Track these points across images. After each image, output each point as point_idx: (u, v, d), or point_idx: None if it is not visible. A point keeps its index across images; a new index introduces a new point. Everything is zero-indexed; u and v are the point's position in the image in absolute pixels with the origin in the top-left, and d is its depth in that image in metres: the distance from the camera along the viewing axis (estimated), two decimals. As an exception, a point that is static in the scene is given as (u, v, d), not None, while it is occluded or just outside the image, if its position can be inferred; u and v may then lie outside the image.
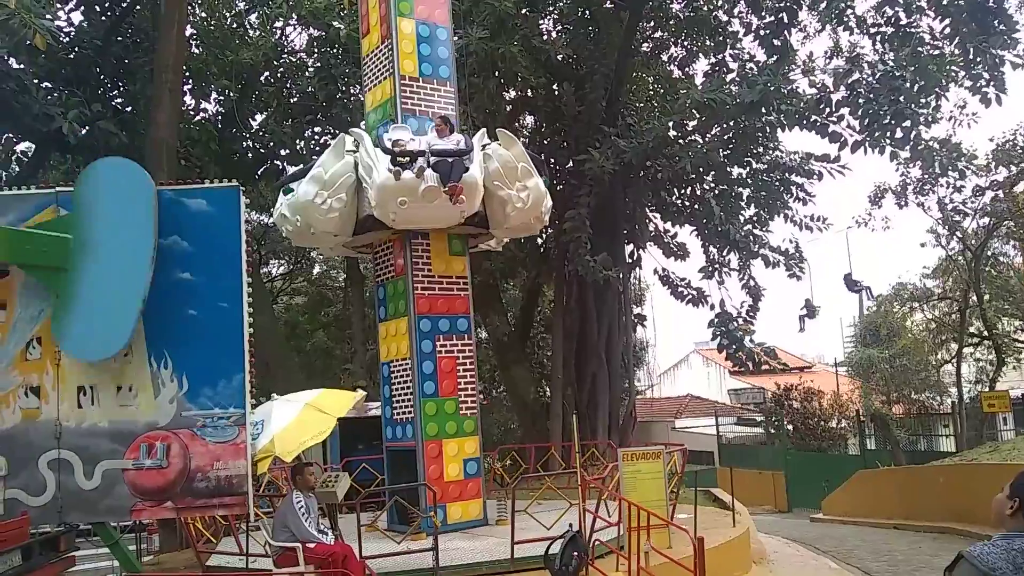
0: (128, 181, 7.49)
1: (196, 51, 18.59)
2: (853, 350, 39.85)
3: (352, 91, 18.77)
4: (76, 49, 16.81)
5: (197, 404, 7.28)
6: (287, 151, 19.59)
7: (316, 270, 36.47)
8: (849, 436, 33.63)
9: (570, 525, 9.24)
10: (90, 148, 16.10)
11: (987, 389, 31.59)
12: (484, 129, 11.63)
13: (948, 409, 31.92)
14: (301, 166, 12.23)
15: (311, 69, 19.91)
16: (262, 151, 19.95)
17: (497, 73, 18.34)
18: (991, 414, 28.34)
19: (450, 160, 10.52)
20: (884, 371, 32.88)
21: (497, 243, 12.81)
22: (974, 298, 31.13)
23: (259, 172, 20.42)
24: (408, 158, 10.44)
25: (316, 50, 20.05)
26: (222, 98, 19.78)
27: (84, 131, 15.30)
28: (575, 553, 8.85)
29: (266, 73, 19.42)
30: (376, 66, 12.32)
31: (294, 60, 20.51)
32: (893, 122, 16.96)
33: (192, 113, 19.53)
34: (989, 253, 31.40)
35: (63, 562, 7.47)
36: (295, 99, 19.64)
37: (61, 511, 7.14)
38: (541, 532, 9.49)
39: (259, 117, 20.22)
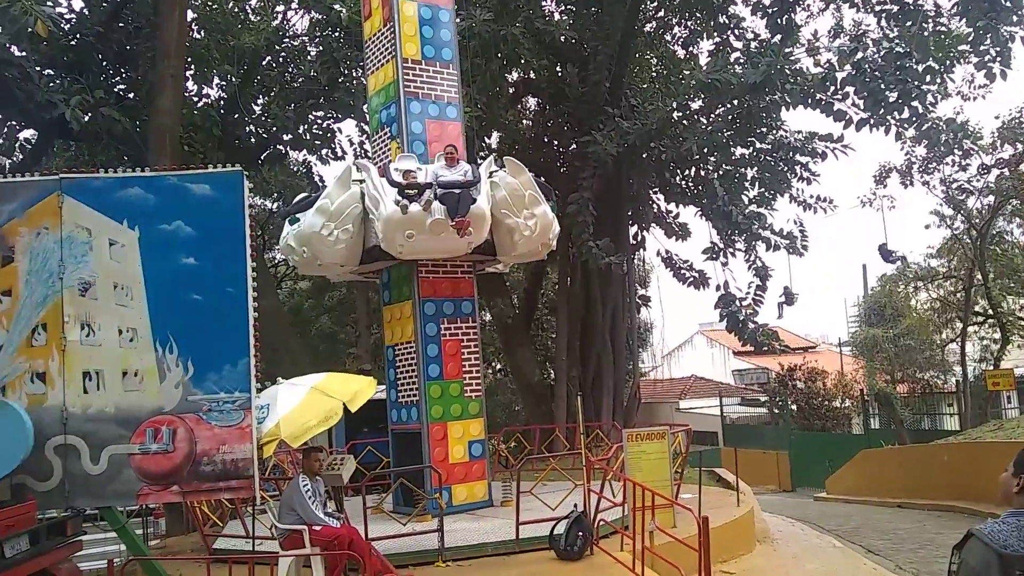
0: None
1: (197, 36, 18.52)
2: (857, 330, 39.89)
3: (354, 75, 18.71)
4: (77, 36, 16.75)
5: (203, 389, 7.31)
6: (290, 135, 19.54)
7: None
8: (853, 416, 33.71)
9: (575, 506, 9.31)
10: (93, 135, 16.09)
11: (991, 368, 31.58)
12: (492, 157, 11.60)
13: (952, 388, 31.98)
14: (306, 194, 12.03)
15: (313, 53, 19.83)
16: (265, 136, 19.91)
17: (500, 55, 18.25)
18: (995, 392, 28.35)
19: (457, 192, 10.42)
20: (888, 350, 32.92)
21: (504, 267, 12.75)
22: (979, 277, 31.08)
23: (262, 157, 20.39)
24: (415, 191, 10.39)
25: (318, 34, 19.97)
26: (224, 83, 19.74)
27: (87, 118, 15.27)
28: (580, 533, 8.92)
29: (268, 57, 19.34)
30: (378, 49, 12.29)
31: (296, 44, 20.43)
32: (899, 101, 16.90)
33: (194, 99, 19.48)
34: (994, 232, 31.32)
35: (70, 547, 7.51)
36: (297, 83, 19.58)
37: (68, 496, 7.18)
38: (546, 513, 9.55)
39: (261, 102, 20.16)
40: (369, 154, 14.53)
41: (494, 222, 10.93)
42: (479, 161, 12.55)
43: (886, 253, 25.80)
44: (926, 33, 16.71)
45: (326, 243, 10.78)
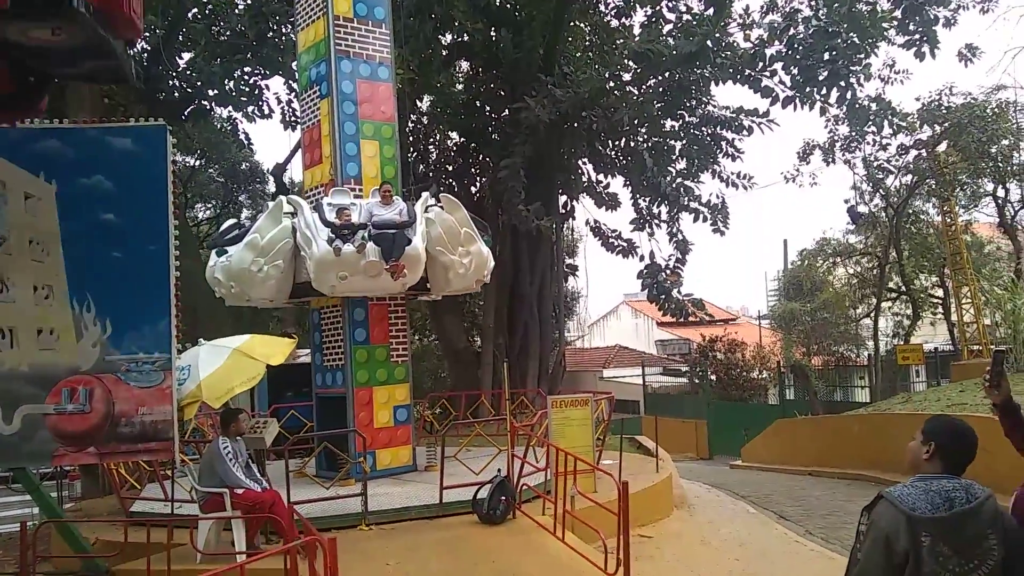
0: None
1: (120, -17, 17.83)
2: (776, 303, 40.91)
3: (284, 30, 18.27)
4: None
5: (121, 348, 7.14)
6: (215, 91, 18.99)
7: (244, 214, 35.75)
8: (769, 387, 34.64)
9: (498, 471, 9.39)
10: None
11: (902, 343, 32.76)
12: (427, 193, 11.39)
13: (865, 361, 33.08)
14: (234, 222, 11.68)
15: (241, 6, 19.28)
16: (189, 90, 19.33)
17: (434, 16, 18.03)
18: (905, 366, 29.39)
19: (392, 233, 10.22)
20: (805, 324, 33.87)
21: (436, 295, 12.61)
22: (894, 254, 32.10)
23: (186, 112, 19.81)
24: (348, 231, 10.15)
25: (247, -14, 19.42)
26: (148, 35, 19.05)
27: (1, 64, 14.62)
28: (503, 498, 9.01)
29: (194, 9, 18.74)
30: (309, 5, 12.03)
31: (224, -4, 19.83)
32: (828, 79, 17.26)
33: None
34: (910, 211, 32.34)
35: (-19, 508, 7.33)
36: (224, 37, 19.01)
37: (-21, 456, 6.98)
38: (470, 478, 9.62)
39: (187, 56, 19.55)
40: (297, 113, 14.24)
41: (429, 259, 10.77)
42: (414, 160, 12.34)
43: (855, 215, 26.55)
44: (855, 12, 17.02)
45: (255, 279, 10.47)
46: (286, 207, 10.75)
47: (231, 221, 11.84)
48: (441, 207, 11.03)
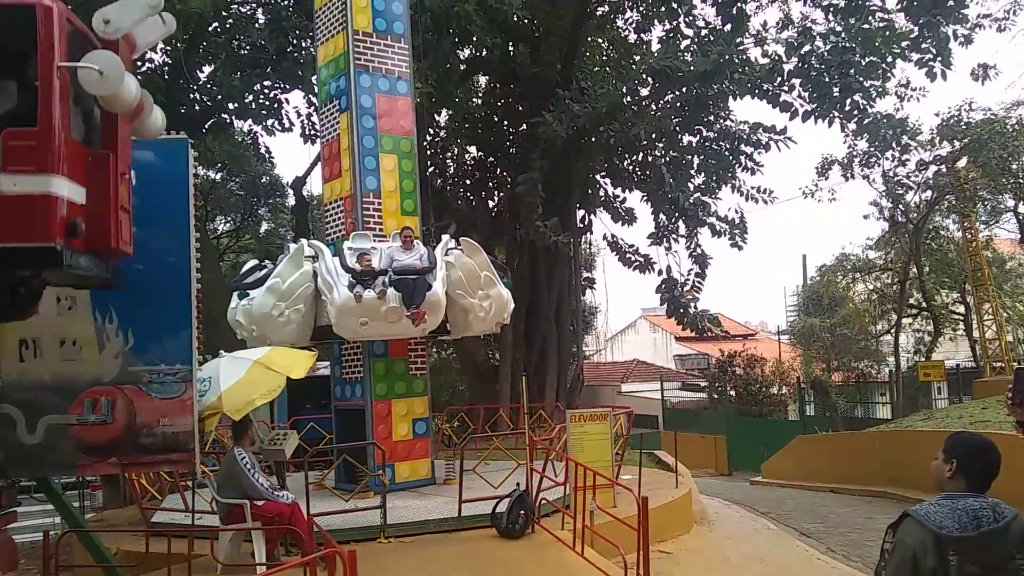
0: None
1: (142, -1, 18.03)
2: (796, 319, 40.67)
3: (304, 44, 18.40)
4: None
5: (143, 359, 7.15)
6: (235, 104, 19.16)
7: (264, 227, 35.99)
8: (789, 402, 34.41)
9: (517, 484, 9.37)
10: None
11: (923, 359, 32.49)
12: (447, 236, 11.42)
13: (885, 378, 32.80)
14: (255, 263, 11.70)
15: (262, 20, 19.45)
16: (210, 104, 19.50)
17: (452, 31, 18.13)
18: (926, 383, 29.17)
19: (412, 279, 10.23)
20: (825, 340, 33.62)
21: (455, 337, 12.59)
22: (914, 270, 31.87)
23: (207, 125, 19.97)
24: (369, 277, 10.16)
25: (267, 1, 19.59)
26: (169, 48, 19.25)
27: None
28: (521, 512, 8.99)
29: (215, 24, 18.91)
30: (329, 19, 12.12)
31: (244, 11, 20.01)
32: (842, 95, 17.22)
33: (138, 63, 18.96)
34: (930, 226, 32.13)
35: (4, 517, 7.32)
36: (245, 51, 19.17)
37: (2, 466, 6.99)
38: (488, 491, 9.61)
39: (207, 69, 19.73)
40: (317, 127, 14.33)
41: (449, 302, 10.76)
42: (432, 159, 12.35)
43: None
44: (871, 29, 17.01)
45: (276, 323, 10.49)
46: (307, 251, 10.78)
47: (252, 262, 11.84)
48: (461, 250, 11.05)
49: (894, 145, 19.12)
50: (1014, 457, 3.60)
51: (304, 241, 11.16)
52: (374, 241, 11.04)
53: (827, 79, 17.21)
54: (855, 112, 17.63)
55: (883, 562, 3.11)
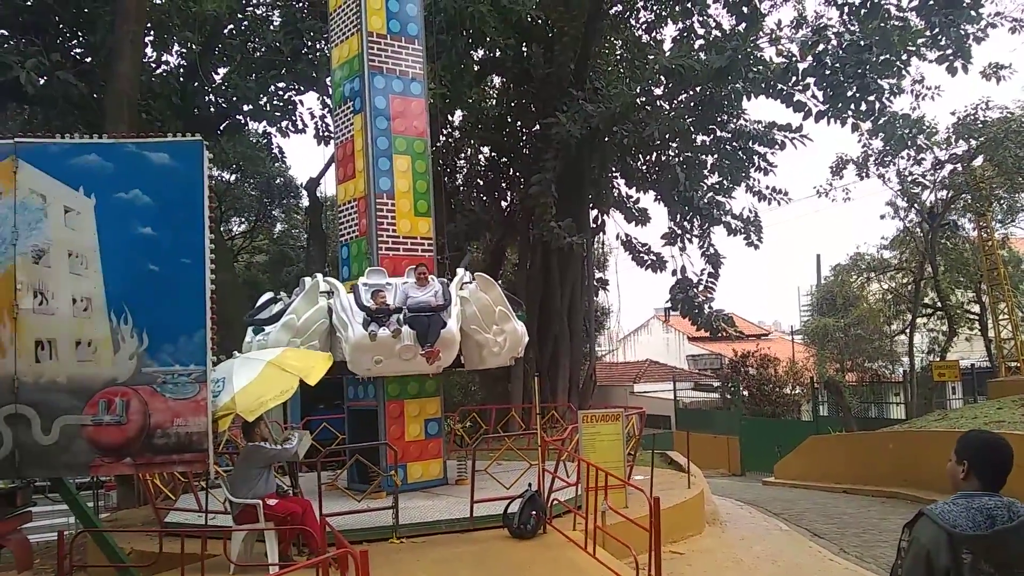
0: None
1: (158, 1, 18.17)
2: (809, 318, 40.54)
3: (318, 46, 18.48)
4: (34, -4, 16.34)
5: (157, 360, 7.20)
6: (250, 106, 19.25)
7: (278, 228, 36.16)
8: (803, 402, 34.30)
9: (529, 485, 9.38)
10: (48, 99, 15.70)
11: (938, 359, 32.32)
12: (462, 270, 11.42)
13: (899, 378, 32.65)
14: (270, 296, 11.71)
15: (276, 23, 19.54)
16: (224, 106, 19.60)
17: (466, 32, 18.17)
18: (941, 383, 29.01)
19: (427, 318, 10.22)
20: (839, 339, 33.50)
21: (469, 369, 12.57)
22: (929, 270, 31.71)
23: (221, 127, 20.08)
24: (384, 315, 10.17)
25: (281, 3, 19.67)
26: (184, 50, 19.37)
27: (42, 82, 14.89)
28: (533, 512, 8.99)
29: (230, 26, 19.01)
30: (343, 21, 12.17)
31: (259, 13, 20.12)
32: (858, 95, 17.14)
33: (153, 65, 19.10)
34: (945, 224, 31.96)
35: (19, 517, 7.41)
36: (259, 53, 19.26)
37: (18, 466, 7.05)
38: (500, 492, 9.62)
39: (222, 71, 19.83)
40: (331, 128, 14.39)
41: (463, 337, 10.74)
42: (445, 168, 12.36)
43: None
44: (887, 27, 16.93)
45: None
46: (322, 286, 10.81)
47: (267, 295, 11.82)
48: (476, 285, 11.05)
49: (910, 145, 19.01)
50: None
51: (319, 277, 11.18)
52: (389, 277, 11.04)
53: (843, 78, 17.14)
54: (872, 112, 17.55)
55: (899, 560, 3.13)
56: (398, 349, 10.10)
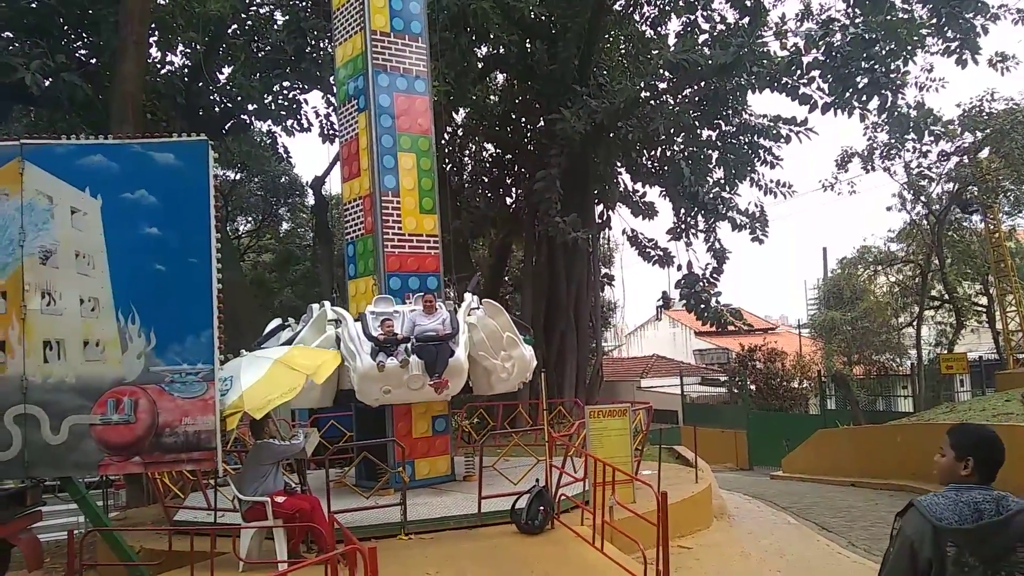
0: None
1: (162, 1, 18.19)
2: (816, 312, 40.48)
3: (322, 45, 18.49)
4: (38, -2, 16.39)
5: (165, 359, 7.24)
6: (255, 105, 19.29)
7: (284, 227, 36.22)
8: (810, 396, 34.25)
9: (536, 480, 9.39)
10: (53, 100, 15.74)
11: (946, 351, 32.25)
12: (470, 295, 11.39)
13: (907, 371, 32.60)
14: (278, 324, 11.65)
15: (280, 22, 19.57)
16: (229, 105, 19.64)
17: (469, 29, 18.16)
18: (949, 375, 28.94)
19: (435, 348, 10.18)
20: (846, 333, 33.45)
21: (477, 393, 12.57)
22: (936, 262, 31.64)
23: (226, 126, 20.13)
24: (392, 345, 10.13)
25: (285, 2, 19.69)
26: (189, 51, 19.40)
27: (47, 83, 14.93)
28: (541, 508, 9.01)
29: (234, 25, 19.04)
30: (346, 20, 12.18)
31: (263, 12, 20.14)
32: (868, 86, 17.09)
33: (158, 66, 19.14)
34: (952, 218, 31.87)
35: (29, 516, 7.47)
36: (263, 52, 19.30)
37: (27, 466, 7.09)
38: (508, 488, 9.64)
39: (226, 71, 19.87)
40: (336, 127, 14.42)
41: (471, 363, 10.71)
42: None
43: (666, 300, 25.32)
44: (892, 20, 16.87)
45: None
46: (330, 314, 10.82)
47: (276, 322, 11.79)
48: (484, 312, 11.05)
49: (923, 134, 18.91)
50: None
51: (327, 305, 11.17)
52: (396, 304, 11.04)
53: (850, 71, 17.08)
54: (884, 105, 17.49)
55: (891, 547, 3.19)
56: (406, 379, 10.08)
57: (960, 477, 3.17)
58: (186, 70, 19.42)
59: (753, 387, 33.70)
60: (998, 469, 3.17)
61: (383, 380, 10.05)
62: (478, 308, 11.16)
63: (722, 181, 21.73)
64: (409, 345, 10.20)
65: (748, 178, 21.63)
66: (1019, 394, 17.33)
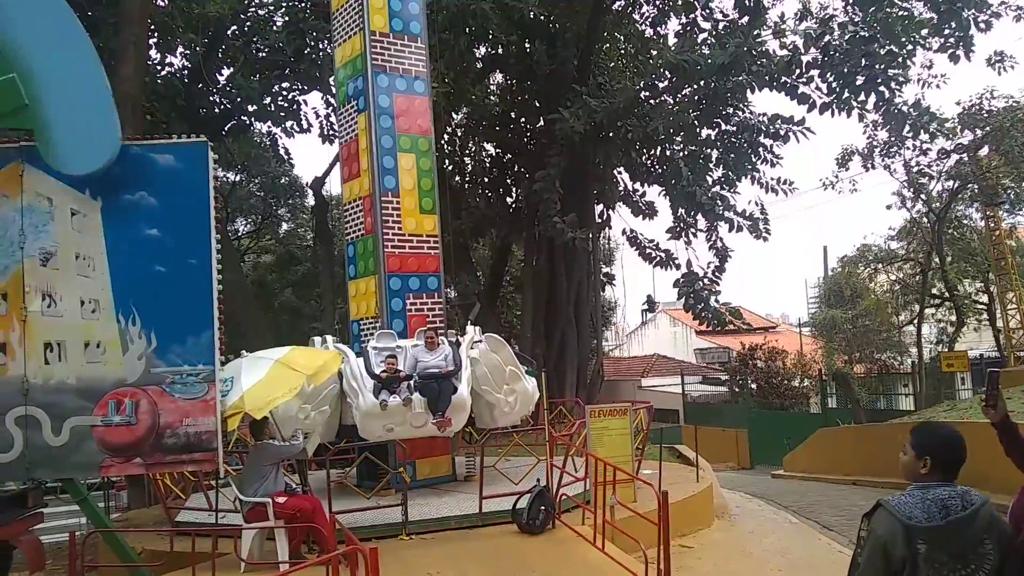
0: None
1: (161, 3, 18.19)
2: (817, 310, 40.46)
3: (321, 46, 18.50)
4: None
5: (166, 361, 7.23)
6: (254, 107, 19.31)
7: (284, 228, 36.23)
8: (811, 395, 34.25)
9: (537, 480, 9.39)
10: (53, 101, 15.71)
11: (947, 349, 32.23)
12: (471, 328, 11.35)
13: (908, 369, 32.59)
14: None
15: (279, 23, 19.57)
16: (229, 106, 19.65)
17: (468, 30, 18.16)
18: (950, 374, 28.92)
19: (437, 386, 10.10)
20: (847, 331, 33.43)
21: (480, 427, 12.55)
22: (936, 260, 31.63)
23: (226, 127, 20.13)
24: (395, 384, 10.08)
25: (284, 3, 19.69)
26: (188, 52, 19.42)
27: (46, 84, 14.91)
28: (542, 507, 9.01)
29: (233, 27, 19.05)
30: (346, 21, 12.18)
31: (262, 14, 20.14)
32: (866, 85, 17.09)
33: (158, 67, 19.14)
34: (952, 216, 31.85)
35: (31, 518, 7.46)
36: (263, 54, 19.30)
37: (29, 467, 7.09)
38: (509, 487, 9.65)
39: (226, 72, 19.88)
40: (335, 127, 14.42)
41: (474, 397, 10.63)
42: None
43: (651, 304, 25.61)
44: (891, 18, 16.89)
45: (302, 425, 10.35)
46: (332, 349, 10.76)
47: None
48: (486, 346, 11.00)
49: (922, 132, 18.93)
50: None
51: (329, 340, 11.09)
52: (399, 341, 10.98)
53: (849, 69, 17.08)
54: (880, 103, 17.50)
55: (859, 548, 3.23)
56: (409, 417, 10.02)
57: (920, 475, 3.24)
58: (186, 72, 19.44)
59: (754, 386, 33.69)
60: (959, 467, 3.23)
61: (386, 418, 9.97)
62: (480, 342, 11.09)
63: (721, 179, 21.72)
64: (412, 383, 10.14)
65: (749, 176, 21.62)
66: (1020, 391, 17.32)
